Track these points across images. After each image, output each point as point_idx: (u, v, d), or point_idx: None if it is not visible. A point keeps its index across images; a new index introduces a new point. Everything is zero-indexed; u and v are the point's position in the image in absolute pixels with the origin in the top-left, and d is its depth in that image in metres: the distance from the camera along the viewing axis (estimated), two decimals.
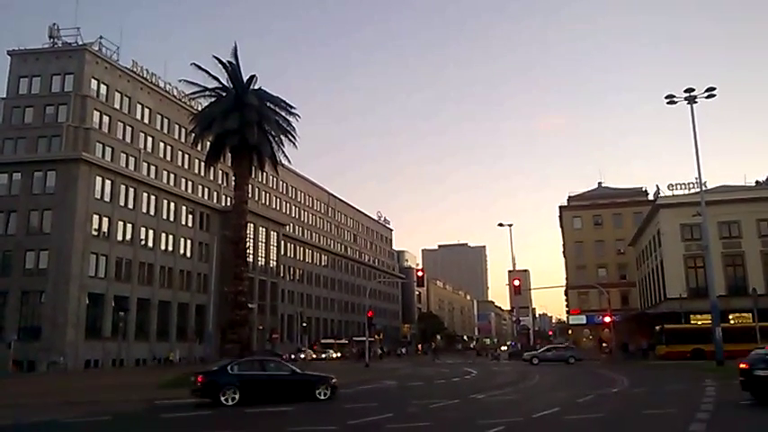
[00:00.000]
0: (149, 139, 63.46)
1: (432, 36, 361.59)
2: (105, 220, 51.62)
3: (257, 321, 65.43)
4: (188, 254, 62.11)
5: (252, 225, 65.04)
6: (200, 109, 41.17)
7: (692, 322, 46.16)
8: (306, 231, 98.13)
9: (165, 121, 66.45)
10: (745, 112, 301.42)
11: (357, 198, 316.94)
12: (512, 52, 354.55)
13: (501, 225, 63.86)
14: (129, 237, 54.23)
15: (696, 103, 32.78)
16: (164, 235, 58.89)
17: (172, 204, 60.40)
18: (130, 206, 54.50)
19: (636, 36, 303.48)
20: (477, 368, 43.41)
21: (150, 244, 56.91)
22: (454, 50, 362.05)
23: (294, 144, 32.35)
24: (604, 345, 63.97)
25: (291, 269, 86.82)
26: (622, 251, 74.52)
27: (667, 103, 33.56)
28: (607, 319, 56.35)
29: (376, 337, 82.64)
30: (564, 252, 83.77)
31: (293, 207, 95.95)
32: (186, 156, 68.22)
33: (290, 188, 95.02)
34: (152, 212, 57.22)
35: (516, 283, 56.66)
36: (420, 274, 64.20)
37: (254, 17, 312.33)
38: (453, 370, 41.61)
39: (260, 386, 18.61)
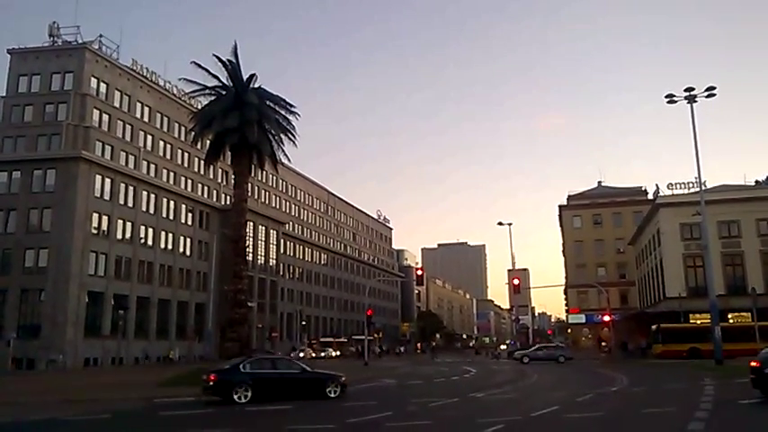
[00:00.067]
0: (149, 137, 63.44)
1: (432, 36, 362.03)
2: (105, 218, 51.54)
3: (257, 320, 65.45)
4: (188, 252, 62.06)
5: (251, 223, 65.03)
6: (199, 107, 41.22)
7: (692, 321, 46.17)
8: (305, 230, 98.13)
9: (165, 119, 66.43)
10: (745, 111, 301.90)
11: (357, 198, 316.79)
12: (512, 52, 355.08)
13: (500, 224, 64.11)
14: (128, 235, 54.17)
15: (696, 102, 32.80)
16: (163, 233, 58.82)
17: (171, 203, 60.34)
18: (130, 204, 54.44)
19: (636, 36, 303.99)
20: (476, 367, 43.46)
21: (150, 242, 56.86)
22: (454, 50, 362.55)
23: (294, 143, 32.40)
24: (603, 344, 64.04)
25: (291, 268, 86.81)
26: (622, 250, 74.56)
27: (667, 102, 33.57)
28: (606, 318, 56.44)
29: (375, 335, 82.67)
30: (563, 251, 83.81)
31: (293, 206, 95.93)
32: (186, 154, 68.19)
33: (289, 187, 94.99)
34: (152, 211, 57.16)
35: (516, 281, 56.64)
36: (419, 272, 64.26)
37: (254, 17, 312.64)
38: (452, 369, 41.64)
39: (271, 384, 18.83)
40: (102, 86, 58.04)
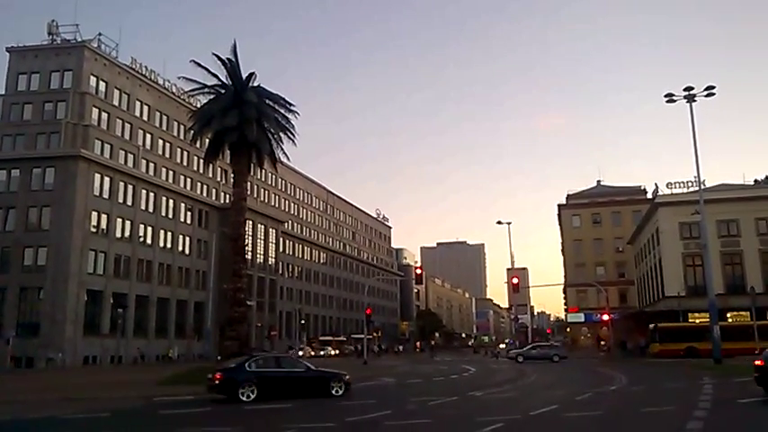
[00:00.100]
0: (148, 136, 63.43)
1: (432, 36, 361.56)
2: (104, 216, 51.54)
3: (256, 318, 65.50)
4: (187, 251, 62.05)
5: (251, 222, 65.06)
6: (198, 106, 41.17)
7: (691, 320, 46.27)
8: (305, 229, 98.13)
9: (164, 118, 66.41)
10: (745, 111, 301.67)
11: (357, 198, 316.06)
12: (512, 52, 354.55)
13: (500, 223, 65.03)
14: (127, 234, 54.16)
15: (695, 101, 32.79)
16: (162, 232, 58.81)
17: (170, 201, 60.33)
18: (129, 203, 54.42)
19: (636, 36, 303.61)
20: (475, 366, 43.50)
21: (149, 241, 56.85)
22: (454, 50, 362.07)
23: (293, 141, 32.29)
24: (602, 343, 64.12)
25: (290, 266, 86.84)
26: (621, 249, 74.60)
27: (667, 101, 33.56)
28: (605, 317, 56.49)
29: (374, 334, 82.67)
30: (562, 250, 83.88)
31: (292, 204, 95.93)
32: (185, 153, 68.15)
33: (288, 185, 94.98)
34: (151, 209, 57.15)
35: (515, 280, 56.62)
36: (419, 271, 64.23)
37: (254, 17, 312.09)
38: (451, 367, 41.70)
39: (276, 383, 18.92)
40: (102, 85, 58.05)
